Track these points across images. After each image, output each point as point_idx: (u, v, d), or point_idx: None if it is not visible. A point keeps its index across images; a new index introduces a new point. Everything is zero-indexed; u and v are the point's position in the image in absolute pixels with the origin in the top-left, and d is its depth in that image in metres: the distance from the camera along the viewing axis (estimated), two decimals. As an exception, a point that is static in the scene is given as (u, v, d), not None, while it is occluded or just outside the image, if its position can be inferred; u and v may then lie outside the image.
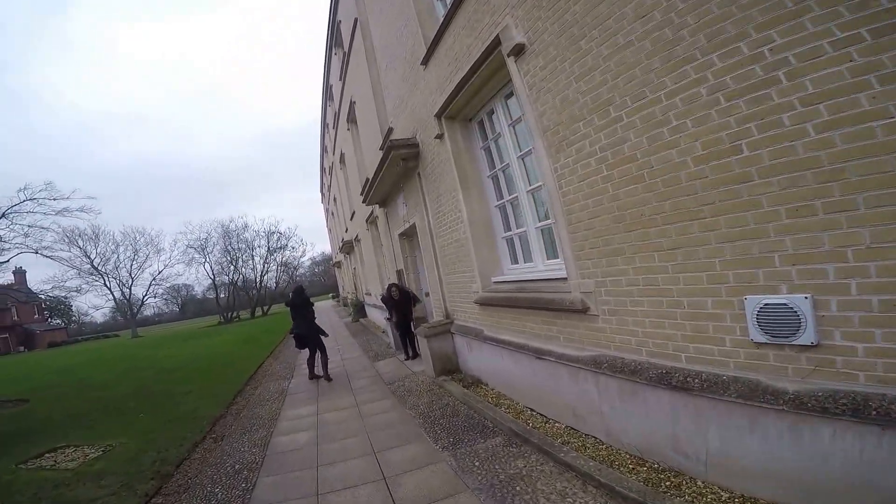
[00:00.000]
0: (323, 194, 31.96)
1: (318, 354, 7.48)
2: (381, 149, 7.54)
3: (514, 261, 4.82)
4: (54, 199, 18.78)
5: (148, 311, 62.98)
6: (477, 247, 4.96)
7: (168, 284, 50.91)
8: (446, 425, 4.28)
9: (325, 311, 31.79)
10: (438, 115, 5.12)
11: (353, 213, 15.49)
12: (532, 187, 4.15)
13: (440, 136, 5.25)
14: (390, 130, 7.62)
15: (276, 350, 13.06)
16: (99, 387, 10.15)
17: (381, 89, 8.20)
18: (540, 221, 4.18)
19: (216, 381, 8.66)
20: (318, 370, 7.48)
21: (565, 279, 3.53)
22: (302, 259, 50.99)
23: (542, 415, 4.01)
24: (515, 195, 4.44)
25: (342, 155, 15.94)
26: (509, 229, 4.78)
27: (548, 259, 4.15)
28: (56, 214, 18.94)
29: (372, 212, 10.36)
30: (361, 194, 9.49)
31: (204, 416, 5.97)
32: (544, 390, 3.91)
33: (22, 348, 45.34)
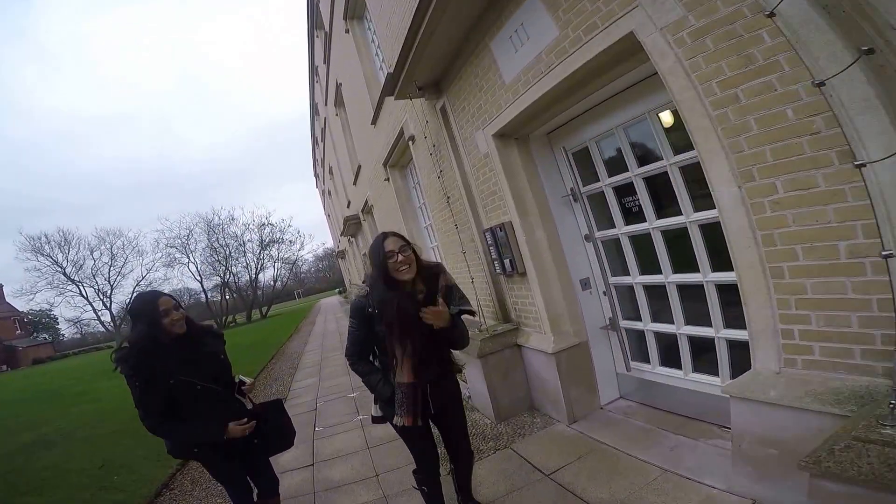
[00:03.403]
0: (317, 175, 27.86)
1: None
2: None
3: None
4: None
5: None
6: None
7: (170, 288, 47.58)
8: None
9: (331, 309, 28.54)
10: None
11: (359, 166, 10.85)
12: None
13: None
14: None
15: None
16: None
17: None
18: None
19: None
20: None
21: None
22: (301, 253, 47.26)
23: None
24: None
25: (338, 85, 11.09)
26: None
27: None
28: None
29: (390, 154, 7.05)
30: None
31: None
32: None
33: (4, 367, 42.67)
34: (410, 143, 5.89)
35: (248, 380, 2.56)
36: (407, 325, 2.07)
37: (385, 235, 2.17)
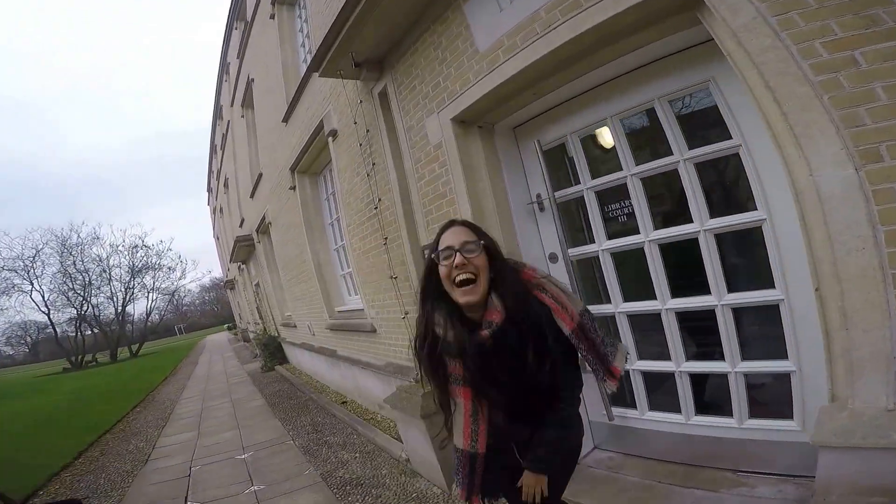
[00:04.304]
0: (210, 189, 23.91)
1: None
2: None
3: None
4: None
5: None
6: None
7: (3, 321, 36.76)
8: None
9: (218, 347, 25.25)
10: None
11: (260, 175, 9.43)
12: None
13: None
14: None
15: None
16: None
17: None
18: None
19: None
20: None
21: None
22: (182, 282, 40.27)
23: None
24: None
25: (249, 82, 9.82)
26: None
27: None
28: None
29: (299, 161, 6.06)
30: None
31: None
32: None
33: None
34: (331, 139, 4.98)
35: None
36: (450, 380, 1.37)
37: (449, 224, 1.41)
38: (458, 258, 1.28)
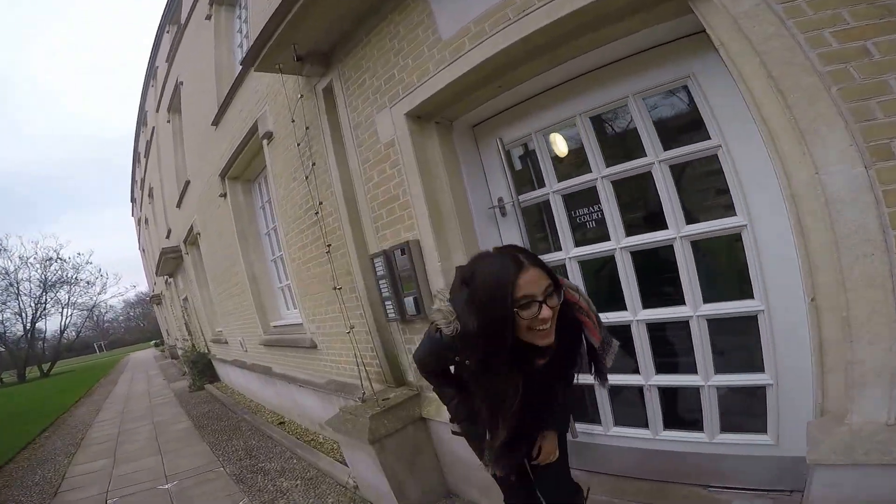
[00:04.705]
0: (134, 199, 21.75)
1: None
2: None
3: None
4: None
5: None
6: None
7: None
8: None
9: (142, 364, 23.67)
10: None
11: (188, 182, 8.61)
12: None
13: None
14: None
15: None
16: None
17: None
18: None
19: None
20: None
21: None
22: (102, 297, 36.30)
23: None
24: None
25: (178, 85, 9.25)
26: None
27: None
28: None
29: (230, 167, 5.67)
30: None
31: None
32: None
33: None
34: (266, 142, 4.54)
35: None
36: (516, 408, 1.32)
37: (518, 263, 1.20)
38: (544, 311, 1.17)
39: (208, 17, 6.54)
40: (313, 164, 3.45)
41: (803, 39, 1.44)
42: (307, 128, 3.44)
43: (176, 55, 9.25)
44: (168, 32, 10.32)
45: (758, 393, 2.02)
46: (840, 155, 1.39)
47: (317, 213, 3.37)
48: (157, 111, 11.70)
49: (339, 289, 3.19)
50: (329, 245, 3.25)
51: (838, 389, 1.56)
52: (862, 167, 1.34)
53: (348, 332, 3.19)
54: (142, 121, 15.71)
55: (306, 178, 3.47)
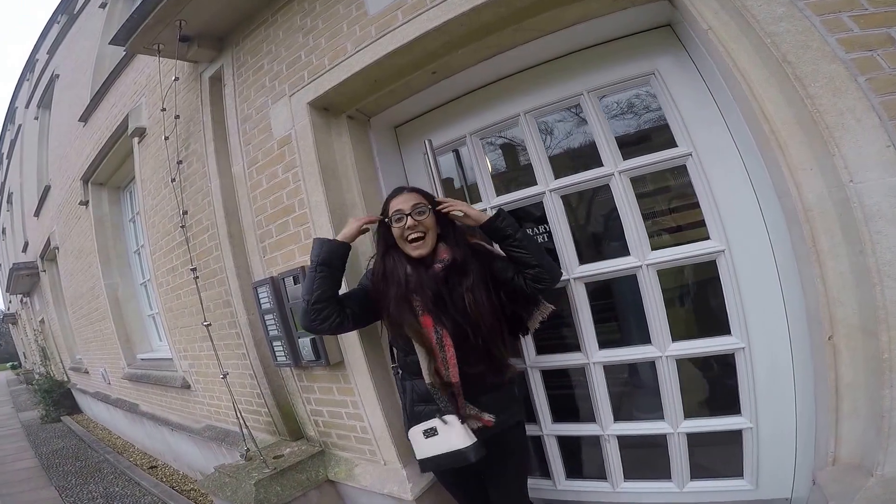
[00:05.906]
0: None
1: None
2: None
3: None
4: None
5: None
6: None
7: None
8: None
9: None
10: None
11: (47, 188, 7.25)
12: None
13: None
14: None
15: None
16: None
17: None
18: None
19: None
20: None
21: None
22: None
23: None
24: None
25: (53, 78, 8.07)
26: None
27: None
28: None
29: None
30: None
31: None
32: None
33: None
34: (136, 140, 3.66)
35: None
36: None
37: (398, 191, 1.59)
38: (409, 221, 1.48)
39: (103, 6, 5.52)
40: (179, 163, 2.71)
41: (819, 22, 1.16)
42: (177, 116, 2.69)
43: (59, 46, 8.06)
44: (58, 23, 8.93)
45: (733, 436, 1.74)
46: (874, 155, 1.08)
47: (182, 225, 2.58)
48: (27, 107, 10.07)
49: (209, 325, 2.40)
50: (195, 269, 2.45)
51: (856, 437, 1.30)
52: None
53: (222, 378, 2.40)
54: (10, 118, 13.42)
55: (172, 180, 2.70)
